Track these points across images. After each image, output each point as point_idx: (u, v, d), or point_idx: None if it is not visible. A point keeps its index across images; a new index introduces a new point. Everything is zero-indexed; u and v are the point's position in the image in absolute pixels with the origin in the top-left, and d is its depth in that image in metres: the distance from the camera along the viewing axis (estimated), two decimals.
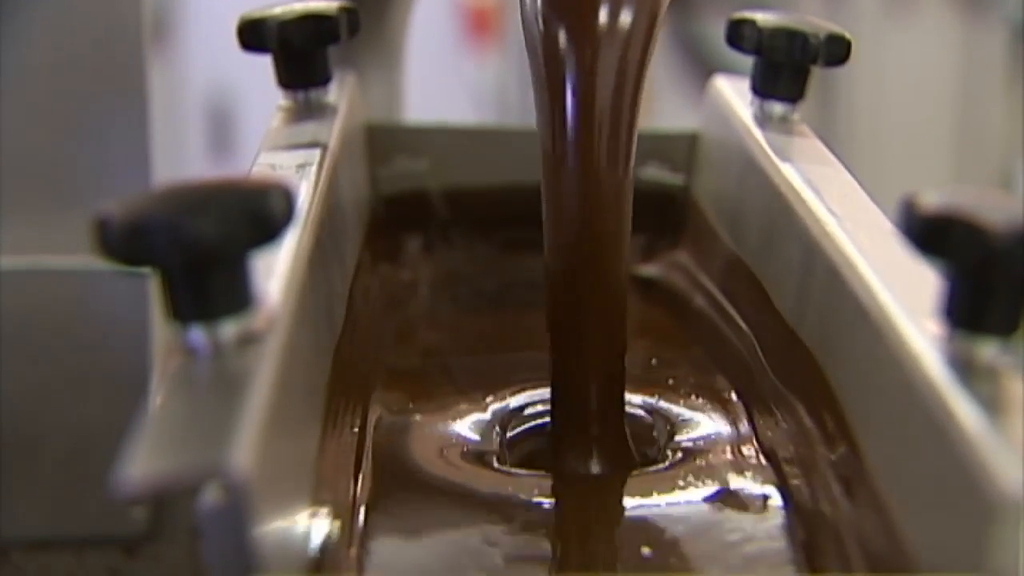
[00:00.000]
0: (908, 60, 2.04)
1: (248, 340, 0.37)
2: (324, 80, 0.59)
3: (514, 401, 0.53)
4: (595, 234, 0.48)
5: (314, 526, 0.40)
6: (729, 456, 0.49)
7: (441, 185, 0.64)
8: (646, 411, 0.53)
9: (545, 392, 0.52)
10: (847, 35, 0.57)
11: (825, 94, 1.98)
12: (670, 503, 0.47)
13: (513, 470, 0.49)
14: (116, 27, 0.64)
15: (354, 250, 0.56)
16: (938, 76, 2.06)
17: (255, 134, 0.57)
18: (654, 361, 0.56)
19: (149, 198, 0.37)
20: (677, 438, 0.51)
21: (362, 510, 0.45)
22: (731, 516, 0.46)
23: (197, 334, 0.37)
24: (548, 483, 0.48)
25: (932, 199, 0.37)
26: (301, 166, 0.51)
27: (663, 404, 0.53)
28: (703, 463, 0.49)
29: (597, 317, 0.49)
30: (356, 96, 0.62)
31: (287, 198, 0.37)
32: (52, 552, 0.66)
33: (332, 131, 0.55)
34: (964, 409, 0.35)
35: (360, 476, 0.47)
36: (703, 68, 1.64)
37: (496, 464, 0.49)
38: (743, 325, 0.54)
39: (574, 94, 0.47)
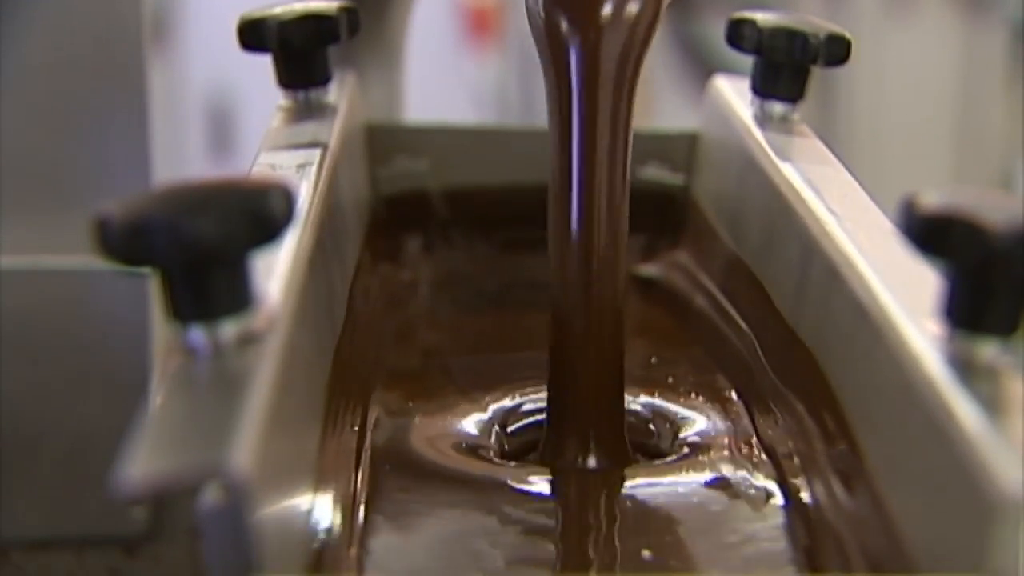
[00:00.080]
0: (908, 60, 2.04)
1: (248, 340, 0.37)
2: (324, 80, 0.59)
3: (514, 400, 0.53)
4: (597, 226, 0.49)
5: (314, 526, 0.40)
6: (729, 455, 0.49)
7: (441, 185, 0.64)
8: (646, 410, 0.53)
9: (545, 391, 0.52)
10: (847, 35, 0.57)
11: (825, 94, 1.98)
12: (670, 502, 0.47)
13: (513, 470, 0.49)
14: (116, 27, 0.64)
15: (354, 250, 0.56)
16: (938, 76, 2.06)
17: (255, 134, 0.57)
18: (654, 360, 0.56)
19: (149, 198, 0.37)
20: (677, 437, 0.51)
21: (362, 510, 0.45)
22: (730, 515, 0.46)
23: (197, 334, 0.37)
24: (548, 481, 0.48)
25: (932, 199, 0.37)
26: (301, 166, 0.51)
27: (663, 403, 0.53)
28: (703, 462, 0.49)
29: (597, 303, 0.49)
30: (356, 96, 0.62)
31: (287, 198, 0.37)
32: (52, 552, 0.66)
33: (332, 131, 0.55)
34: (964, 409, 0.35)
35: (360, 476, 0.47)
36: (703, 68, 1.64)
37: (496, 464, 0.49)
38: (743, 325, 0.54)
39: (577, 76, 0.47)
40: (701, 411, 0.52)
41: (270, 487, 0.34)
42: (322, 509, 0.41)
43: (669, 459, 0.50)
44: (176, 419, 0.35)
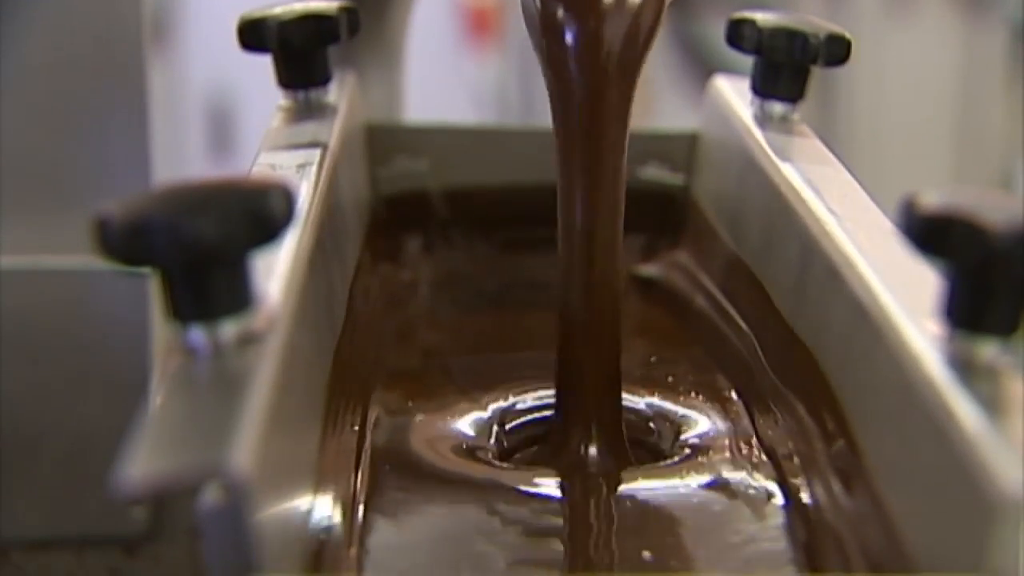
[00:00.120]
0: (908, 60, 2.04)
1: (248, 340, 0.37)
2: (324, 80, 0.59)
3: (514, 400, 0.53)
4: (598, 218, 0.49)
5: (314, 526, 0.40)
6: (729, 455, 0.49)
7: (441, 185, 0.64)
8: (646, 410, 0.53)
9: (545, 391, 0.52)
10: (847, 35, 0.57)
11: (825, 94, 1.98)
12: (670, 502, 0.47)
13: (513, 470, 0.49)
14: (116, 27, 0.64)
15: (354, 250, 0.56)
16: (938, 76, 2.06)
17: (255, 134, 0.57)
18: (654, 360, 0.56)
19: (149, 198, 0.37)
20: (677, 437, 0.51)
21: (362, 510, 0.45)
22: (731, 515, 0.46)
23: (197, 334, 0.37)
24: (548, 482, 0.48)
25: (932, 199, 0.37)
26: (301, 166, 0.51)
27: (663, 403, 0.53)
28: (702, 462, 0.49)
29: (596, 295, 0.49)
30: (356, 96, 0.62)
31: (287, 198, 0.37)
32: (52, 552, 0.66)
33: (332, 131, 0.55)
34: (964, 409, 0.35)
35: (360, 476, 0.47)
36: (703, 68, 1.63)
37: (496, 464, 0.49)
38: (743, 325, 0.54)
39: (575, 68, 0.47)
40: (701, 411, 0.52)
41: (270, 487, 0.34)
42: (322, 509, 0.41)
43: (669, 460, 0.50)
44: (176, 419, 0.35)
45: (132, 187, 0.55)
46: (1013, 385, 0.37)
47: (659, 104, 1.92)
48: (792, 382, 0.48)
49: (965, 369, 0.37)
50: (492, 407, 0.53)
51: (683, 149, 0.64)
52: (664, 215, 0.63)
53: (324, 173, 0.51)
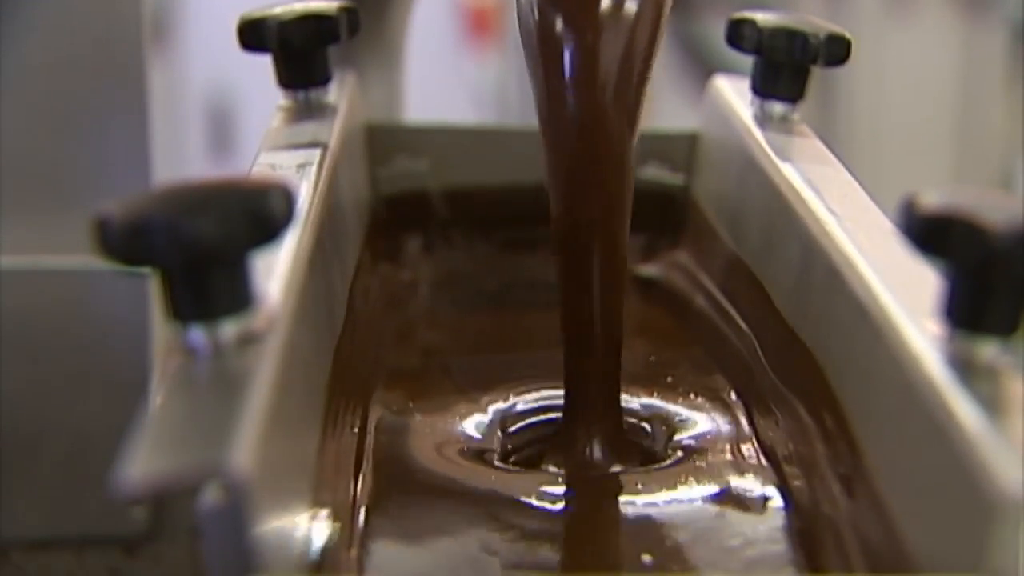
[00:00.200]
0: (908, 60, 2.04)
1: (248, 340, 0.37)
2: (324, 80, 0.59)
3: (514, 400, 0.53)
4: (597, 221, 0.49)
5: (314, 526, 0.40)
6: (729, 456, 0.49)
7: (441, 185, 0.64)
8: (645, 411, 0.53)
9: (545, 391, 0.52)
10: (847, 35, 0.57)
11: (825, 94, 1.98)
12: (669, 503, 0.47)
13: (513, 470, 0.49)
14: (116, 27, 0.64)
15: (354, 250, 0.56)
16: (938, 76, 2.05)
17: (255, 134, 0.57)
18: (654, 360, 0.56)
19: (149, 198, 0.37)
20: (677, 438, 0.51)
21: (362, 510, 0.45)
22: (731, 516, 0.46)
23: (197, 334, 0.37)
24: (548, 483, 0.48)
25: (932, 199, 0.37)
26: (301, 166, 0.51)
27: (662, 404, 0.53)
28: (702, 463, 0.49)
29: (598, 302, 0.49)
30: (356, 96, 0.62)
31: (287, 198, 0.37)
32: (52, 552, 0.66)
33: (332, 131, 0.55)
34: (964, 409, 0.35)
35: (360, 476, 0.47)
36: (703, 68, 1.63)
37: (496, 464, 0.49)
38: (743, 325, 0.54)
39: (572, 83, 0.47)
40: (701, 412, 0.52)
41: (270, 487, 0.34)
42: (322, 509, 0.41)
43: (669, 461, 0.50)
44: (176, 419, 0.35)
45: (132, 187, 0.55)
46: (1013, 385, 0.37)
47: (659, 104, 1.92)
48: (792, 382, 0.48)
49: (965, 369, 0.37)
50: (492, 407, 0.53)
51: (683, 149, 0.64)
52: (664, 215, 0.63)
53: (324, 173, 0.51)
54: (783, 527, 0.45)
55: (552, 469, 0.49)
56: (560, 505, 0.47)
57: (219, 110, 2.13)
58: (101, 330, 0.65)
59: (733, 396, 0.53)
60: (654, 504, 0.47)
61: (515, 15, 0.49)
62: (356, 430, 0.49)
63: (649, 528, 0.46)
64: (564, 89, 0.47)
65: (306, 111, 0.58)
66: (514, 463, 0.50)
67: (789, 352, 0.48)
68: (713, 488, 0.47)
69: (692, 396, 0.53)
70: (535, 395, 0.53)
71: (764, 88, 0.58)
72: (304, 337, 0.41)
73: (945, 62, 2.05)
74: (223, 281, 0.37)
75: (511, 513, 0.45)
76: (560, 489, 0.48)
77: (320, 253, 0.46)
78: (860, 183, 0.51)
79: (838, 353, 0.45)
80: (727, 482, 0.47)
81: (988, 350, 0.38)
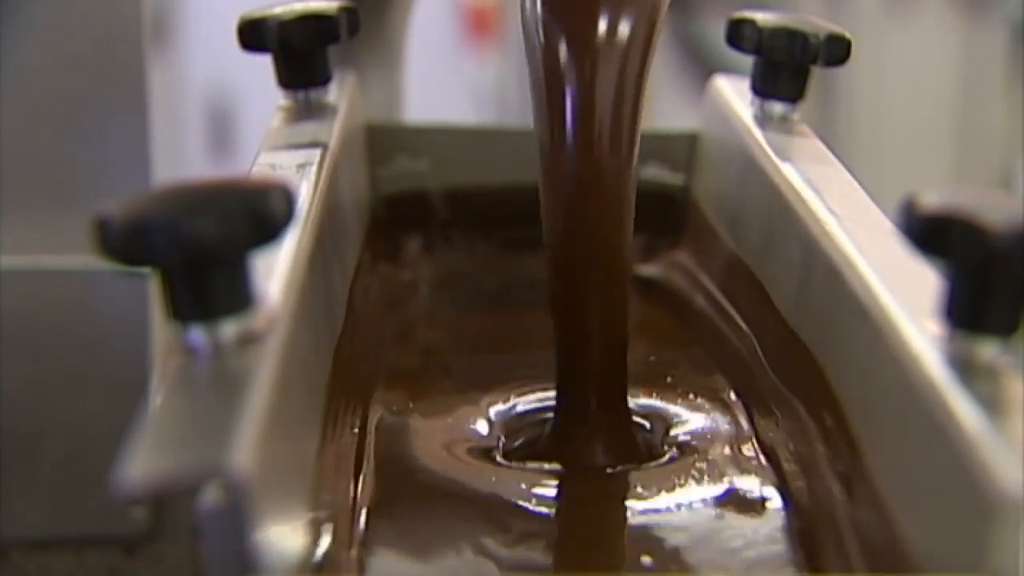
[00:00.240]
0: (908, 60, 2.04)
1: (248, 340, 0.37)
2: (324, 80, 0.59)
3: (514, 400, 0.53)
4: (595, 231, 0.49)
5: (314, 526, 0.40)
6: (729, 456, 0.49)
7: (441, 185, 0.65)
8: (645, 410, 0.53)
9: (545, 391, 0.52)
10: (847, 35, 0.57)
11: (825, 94, 1.98)
12: (669, 503, 0.47)
13: (513, 470, 0.49)
14: (116, 27, 0.64)
15: (354, 250, 0.56)
16: (938, 76, 2.05)
17: (255, 134, 0.57)
18: (654, 360, 0.56)
19: (149, 198, 0.37)
20: (676, 438, 0.51)
21: (362, 510, 0.45)
22: (731, 516, 0.46)
23: (197, 334, 0.37)
24: (548, 482, 0.48)
25: (932, 199, 0.37)
26: (301, 166, 0.51)
27: (662, 403, 0.53)
28: (702, 463, 0.49)
29: (598, 314, 0.49)
30: (356, 96, 0.62)
31: (287, 198, 0.37)
32: (52, 552, 0.66)
33: (332, 131, 0.55)
34: (964, 409, 0.35)
35: (360, 476, 0.47)
36: (703, 68, 1.64)
37: (496, 464, 0.49)
38: (743, 325, 0.54)
39: (574, 100, 0.47)
40: (701, 411, 0.52)
41: (270, 487, 0.34)
42: (322, 509, 0.41)
43: (668, 461, 0.50)
44: (176, 419, 0.35)
45: (132, 187, 0.55)
46: (1013, 385, 0.37)
47: (659, 104, 1.92)
48: (792, 382, 0.48)
49: (965, 369, 0.37)
50: (492, 407, 0.53)
51: (683, 149, 0.64)
52: (664, 215, 0.63)
53: (324, 173, 0.51)
54: (783, 527, 0.45)
55: (552, 469, 0.49)
56: (560, 505, 0.47)
57: (219, 110, 2.13)
58: (101, 330, 0.65)
59: (733, 396, 0.53)
60: (654, 504, 0.47)
61: (515, 15, 0.49)
62: (356, 430, 0.49)
63: (649, 528, 0.46)
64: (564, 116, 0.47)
65: (306, 111, 0.58)
66: (514, 463, 0.50)
67: (789, 352, 0.48)
68: (713, 488, 0.47)
69: (692, 396, 0.53)
70: (535, 395, 0.53)
71: (764, 88, 0.58)
72: (304, 337, 0.41)
73: (945, 62, 2.05)
74: (223, 281, 0.37)
75: (511, 514, 0.45)
76: (560, 489, 0.48)
77: (320, 253, 0.46)
78: (860, 183, 0.51)
79: (838, 353, 0.45)
80: (727, 482, 0.47)
81: (988, 350, 0.38)
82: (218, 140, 2.15)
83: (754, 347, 0.52)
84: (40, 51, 0.64)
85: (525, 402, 0.53)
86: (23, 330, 0.64)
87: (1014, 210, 0.37)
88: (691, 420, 0.52)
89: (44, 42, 0.64)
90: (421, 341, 0.60)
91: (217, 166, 2.09)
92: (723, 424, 0.51)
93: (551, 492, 0.47)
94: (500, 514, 0.45)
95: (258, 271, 0.38)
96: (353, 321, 0.51)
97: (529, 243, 0.62)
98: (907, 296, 0.41)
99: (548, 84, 0.47)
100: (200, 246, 0.36)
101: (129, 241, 0.36)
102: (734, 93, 0.60)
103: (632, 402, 0.52)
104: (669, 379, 0.55)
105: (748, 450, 0.49)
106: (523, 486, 0.47)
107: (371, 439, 0.49)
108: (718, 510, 0.46)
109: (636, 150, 0.49)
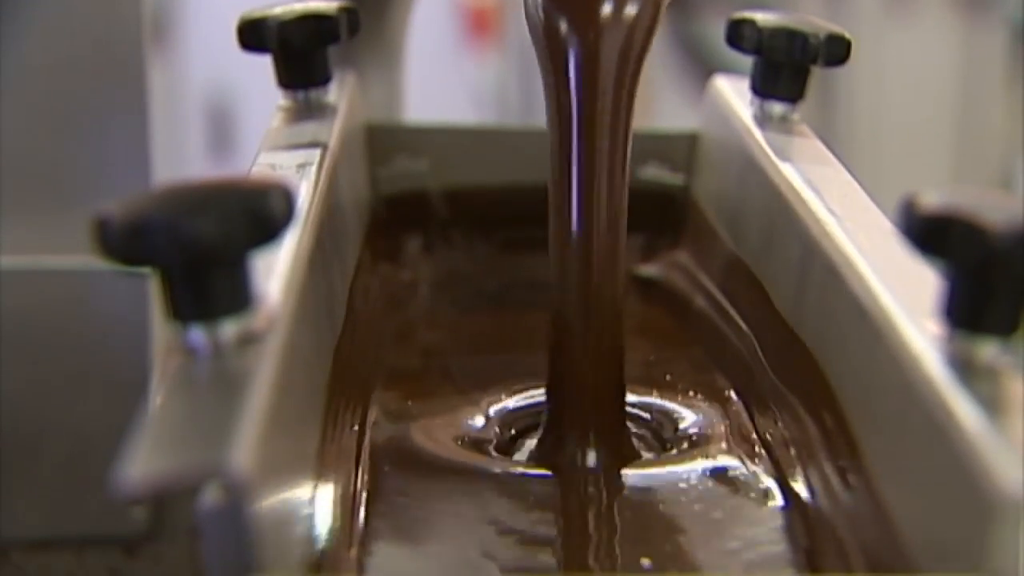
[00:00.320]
0: (908, 60, 2.04)
1: (248, 340, 0.37)
2: (324, 80, 0.59)
3: (514, 400, 0.53)
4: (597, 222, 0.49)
5: (314, 526, 0.40)
6: (728, 456, 0.49)
7: (441, 185, 0.65)
8: (645, 410, 0.53)
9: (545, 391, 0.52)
10: (847, 35, 0.57)
11: (825, 94, 1.98)
12: (668, 504, 0.47)
13: (513, 469, 0.49)
14: (116, 27, 0.64)
15: (354, 250, 0.56)
16: (938, 76, 2.06)
17: (255, 134, 0.57)
18: (654, 360, 0.56)
19: (149, 198, 0.37)
20: (676, 437, 0.51)
21: (362, 510, 0.45)
22: (730, 516, 0.46)
23: (197, 334, 0.37)
24: (548, 482, 0.48)
25: (932, 199, 0.37)
26: (301, 166, 0.51)
27: (662, 403, 0.53)
28: (702, 463, 0.49)
29: (597, 300, 0.49)
30: (356, 96, 0.62)
31: (287, 198, 0.37)
32: (52, 552, 0.66)
33: (332, 131, 0.55)
34: (964, 409, 0.35)
35: (360, 475, 0.47)
36: (703, 68, 1.64)
37: (496, 463, 0.49)
38: (743, 325, 0.54)
39: (576, 77, 0.47)
40: (700, 411, 0.52)
41: (270, 487, 0.34)
42: (322, 509, 0.41)
43: (668, 460, 0.50)
44: (176, 419, 0.35)
45: (132, 187, 0.55)
46: (1013, 385, 0.37)
47: (659, 104, 1.92)
48: (792, 382, 0.48)
49: (965, 369, 0.37)
50: (492, 407, 0.53)
51: (683, 149, 0.64)
52: (664, 215, 0.63)
53: (324, 173, 0.51)
54: (783, 527, 0.45)
55: (551, 469, 0.49)
56: (560, 505, 0.47)
57: (219, 110, 2.13)
58: (101, 330, 0.65)
59: (733, 396, 0.53)
60: (653, 503, 0.47)
61: (515, 15, 0.49)
62: (356, 429, 0.49)
63: (648, 527, 0.46)
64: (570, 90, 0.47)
65: (306, 111, 0.58)
66: (514, 463, 0.50)
67: (789, 352, 0.48)
68: (712, 488, 0.47)
69: (692, 396, 0.53)
70: (535, 395, 0.53)
71: (764, 88, 0.58)
72: (304, 337, 0.41)
73: (945, 62, 2.05)
74: (223, 281, 0.37)
75: (511, 513, 0.45)
76: (560, 489, 0.48)
77: (320, 253, 0.46)
78: (860, 183, 0.51)
79: (838, 353, 0.45)
80: (726, 482, 0.47)
81: (988, 350, 0.38)
82: (218, 140, 2.15)
83: (754, 347, 0.52)
84: (40, 51, 0.64)
85: (524, 402, 0.53)
86: (23, 330, 0.64)
87: (1014, 210, 0.37)
88: (691, 420, 0.52)
89: (44, 42, 0.64)
90: (421, 341, 0.60)
91: (217, 166, 2.09)
92: (723, 424, 0.51)
93: (550, 492, 0.47)
94: (500, 514, 0.45)
95: (258, 271, 0.38)
96: (353, 321, 0.51)
97: (529, 243, 0.62)
98: (907, 296, 0.41)
99: (552, 66, 0.47)
100: (200, 246, 0.36)
101: (129, 241, 0.36)
102: (734, 93, 0.60)
103: (631, 402, 0.52)
104: (669, 379, 0.55)
105: (748, 450, 0.49)
106: (523, 486, 0.47)
107: (370, 438, 0.49)
108: (718, 510, 0.46)
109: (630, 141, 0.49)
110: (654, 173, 0.64)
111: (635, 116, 0.48)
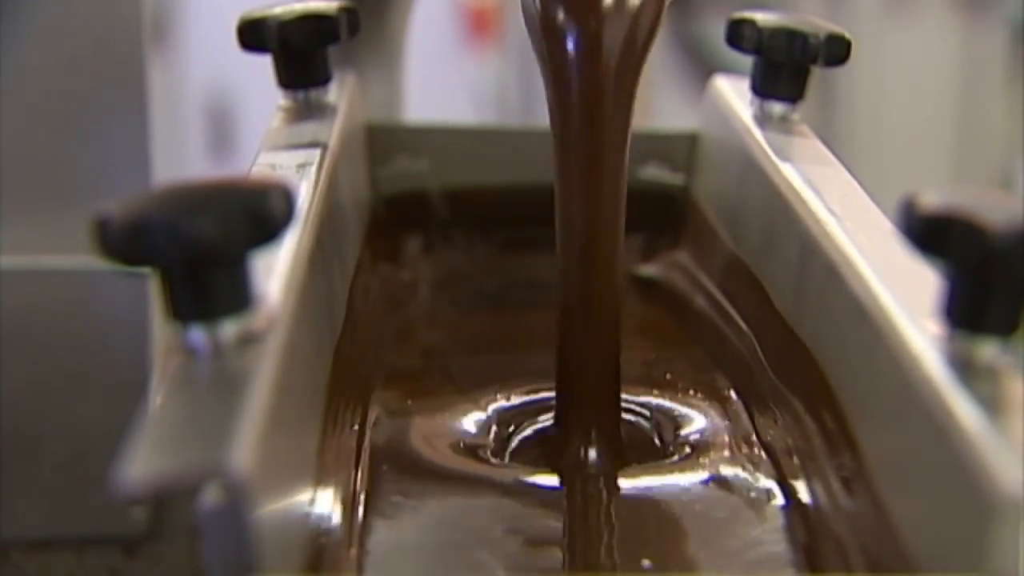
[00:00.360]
0: (908, 60, 2.04)
1: (248, 340, 0.37)
2: (324, 80, 0.59)
3: (514, 400, 0.53)
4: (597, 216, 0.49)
5: (314, 526, 0.40)
6: (728, 456, 0.49)
7: (441, 185, 0.65)
8: (645, 410, 0.53)
9: (545, 391, 0.52)
10: (847, 35, 0.57)
11: (825, 94, 1.98)
12: (669, 504, 0.47)
13: (512, 470, 0.49)
14: (116, 27, 0.64)
15: (354, 250, 0.56)
16: (938, 76, 2.06)
17: (255, 134, 0.57)
18: (654, 360, 0.56)
19: (149, 198, 0.37)
20: (676, 437, 0.51)
21: (362, 510, 0.45)
22: (730, 516, 0.46)
23: (197, 334, 0.37)
24: (548, 483, 0.48)
25: (932, 199, 0.37)
26: (301, 166, 0.51)
27: (662, 403, 0.53)
28: (702, 463, 0.49)
29: (595, 296, 0.49)
30: (356, 96, 0.62)
31: (287, 198, 0.37)
32: (52, 552, 0.66)
33: (332, 131, 0.55)
34: (964, 409, 0.35)
35: (360, 475, 0.47)
36: (703, 68, 1.63)
37: (496, 463, 0.49)
38: (743, 325, 0.54)
39: (577, 72, 0.47)
40: (701, 411, 0.52)
41: (270, 487, 0.34)
42: (322, 509, 0.41)
43: (668, 461, 0.50)
44: (176, 419, 0.35)
45: (132, 187, 0.55)
46: (1013, 385, 0.37)
47: (659, 104, 1.92)
48: (792, 382, 0.48)
49: (965, 369, 0.37)
50: (492, 407, 0.53)
51: (683, 149, 0.64)
52: (664, 215, 0.63)
53: (324, 173, 0.51)
54: (783, 527, 0.45)
55: (552, 469, 0.49)
56: (560, 505, 0.47)
57: (219, 110, 2.13)
58: (101, 330, 0.65)
59: (733, 396, 0.53)
60: (653, 503, 0.47)
61: (515, 15, 0.48)
62: (356, 429, 0.49)
63: (648, 527, 0.46)
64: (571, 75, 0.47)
65: (306, 111, 0.58)
66: (514, 463, 0.50)
67: (789, 352, 0.48)
68: (712, 489, 0.47)
69: (692, 396, 0.53)
70: (535, 395, 0.53)
71: (764, 88, 0.58)
72: (304, 337, 0.41)
73: (945, 62, 2.05)
74: (223, 281, 0.37)
75: (511, 513, 0.45)
76: (560, 489, 0.48)
77: (320, 253, 0.46)
78: (860, 183, 0.51)
79: (838, 353, 0.45)
80: (727, 482, 0.47)
81: (988, 350, 0.38)
82: (218, 140, 2.15)
83: (754, 347, 0.52)
84: (40, 51, 0.64)
85: (525, 402, 0.53)
86: (23, 330, 0.64)
87: (1014, 210, 0.37)
88: (690, 420, 0.52)
89: (44, 42, 0.64)
90: (421, 341, 0.60)
91: (217, 166, 2.09)
92: (723, 424, 0.51)
93: (551, 492, 0.47)
94: (500, 514, 0.45)
95: (258, 271, 0.38)
96: (353, 321, 0.51)
97: (529, 243, 0.62)
98: (907, 296, 0.41)
99: (551, 62, 0.47)
100: (200, 246, 0.36)
101: (129, 241, 0.36)
102: (734, 93, 0.60)
103: (631, 402, 0.52)
104: (669, 379, 0.55)
105: (748, 450, 0.49)
106: (523, 486, 0.47)
107: (370, 438, 0.49)
108: (718, 511, 0.46)
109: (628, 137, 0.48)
110: (654, 173, 0.64)
111: (635, 116, 0.48)
